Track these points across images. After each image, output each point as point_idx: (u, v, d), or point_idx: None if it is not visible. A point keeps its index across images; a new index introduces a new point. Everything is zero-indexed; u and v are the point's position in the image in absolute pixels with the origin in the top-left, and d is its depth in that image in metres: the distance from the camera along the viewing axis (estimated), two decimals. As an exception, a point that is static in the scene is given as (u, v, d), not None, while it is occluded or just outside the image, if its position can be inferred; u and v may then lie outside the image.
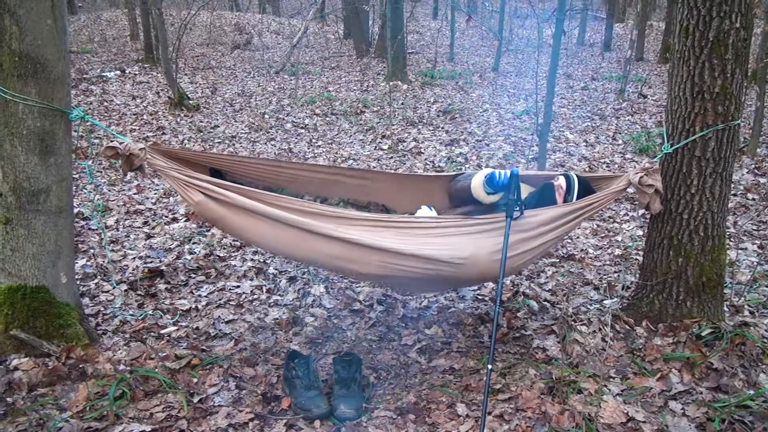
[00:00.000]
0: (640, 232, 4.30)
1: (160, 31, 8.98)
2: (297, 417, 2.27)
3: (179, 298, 3.33)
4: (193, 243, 4.11)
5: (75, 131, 6.47)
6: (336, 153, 6.86)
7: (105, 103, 8.93)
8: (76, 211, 4.24)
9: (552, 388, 2.36)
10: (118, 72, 11.17)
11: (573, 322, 2.72)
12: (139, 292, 3.36)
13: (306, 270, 3.64)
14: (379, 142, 7.29)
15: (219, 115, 8.66)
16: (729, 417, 2.12)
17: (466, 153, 6.74)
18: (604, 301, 3.15)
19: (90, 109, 8.46)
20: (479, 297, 3.38)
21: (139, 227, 4.43)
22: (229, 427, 2.21)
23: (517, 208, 2.37)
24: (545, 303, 3.23)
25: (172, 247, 4.04)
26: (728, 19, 2.34)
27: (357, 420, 2.26)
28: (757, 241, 4.11)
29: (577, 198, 2.61)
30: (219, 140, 7.38)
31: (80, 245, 3.94)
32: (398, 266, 2.32)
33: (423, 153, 6.80)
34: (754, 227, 4.39)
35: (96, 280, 3.46)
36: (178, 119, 8.28)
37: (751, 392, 2.26)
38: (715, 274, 2.62)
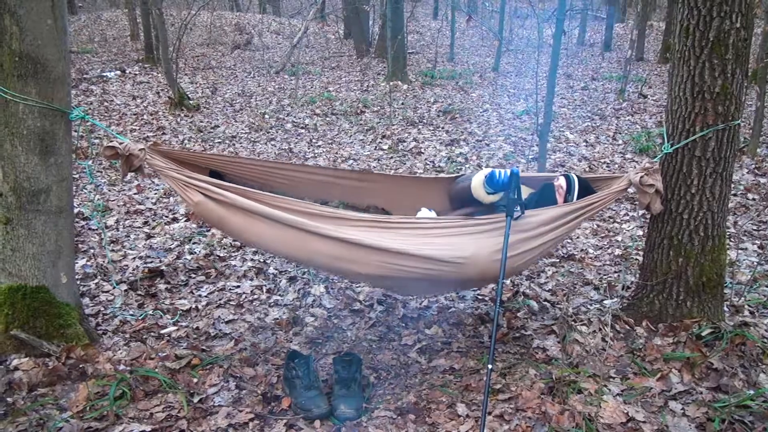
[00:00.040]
0: (640, 232, 4.30)
1: (160, 31, 8.98)
2: (297, 417, 2.28)
3: (179, 298, 3.33)
4: (194, 243, 4.11)
5: (75, 131, 6.47)
6: (336, 153, 6.86)
7: (105, 103, 8.93)
8: (76, 211, 4.24)
9: (552, 388, 2.36)
10: (119, 72, 11.18)
11: (573, 322, 2.72)
12: (139, 292, 3.36)
13: (306, 270, 3.64)
14: (380, 142, 7.29)
15: (219, 115, 8.66)
16: (729, 417, 2.12)
17: (467, 153, 6.74)
18: (604, 301, 3.15)
19: (90, 109, 8.46)
20: (479, 297, 3.38)
21: (140, 227, 4.43)
22: (229, 427, 2.21)
23: (518, 208, 2.37)
24: (545, 303, 3.23)
25: (172, 247, 4.04)
26: (728, 19, 2.34)
27: (357, 420, 2.26)
28: (757, 241, 4.11)
29: (578, 198, 2.61)
30: (219, 140, 7.38)
31: (80, 245, 3.94)
32: (398, 266, 2.32)
33: (423, 153, 6.80)
34: (754, 227, 4.39)
35: (96, 280, 3.46)
36: (179, 119, 8.29)
37: (751, 392, 2.26)
38: (715, 274, 2.62)
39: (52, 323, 2.50)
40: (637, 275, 3.03)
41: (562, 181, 2.74)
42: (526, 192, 2.79)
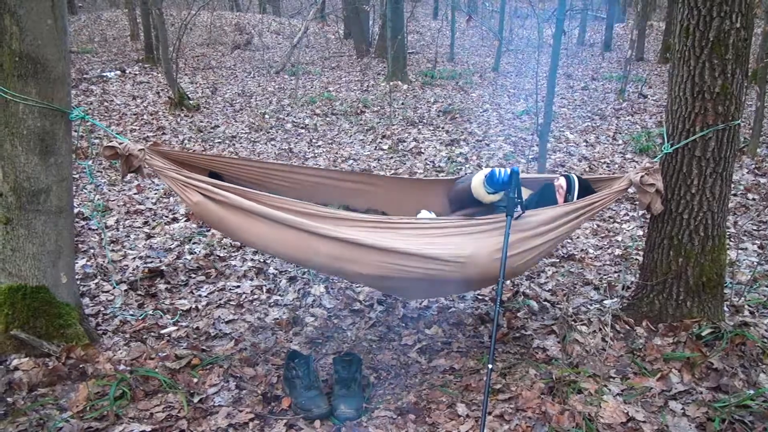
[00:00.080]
0: (640, 232, 4.30)
1: (160, 31, 8.98)
2: (297, 417, 2.28)
3: (179, 298, 3.33)
4: (194, 243, 4.11)
5: (75, 131, 6.47)
6: (336, 153, 6.86)
7: (105, 103, 8.93)
8: (76, 211, 4.24)
9: (552, 388, 2.36)
10: (119, 72, 11.18)
11: (573, 322, 2.72)
12: (139, 292, 3.36)
13: (306, 270, 3.64)
14: (380, 142, 7.29)
15: (219, 115, 8.66)
16: (729, 417, 2.12)
17: (467, 153, 6.74)
18: (604, 301, 3.15)
19: (90, 109, 8.46)
20: (479, 297, 3.38)
21: (140, 227, 4.44)
22: (230, 427, 2.21)
23: (518, 208, 2.37)
24: (545, 303, 3.23)
25: (172, 247, 4.04)
26: (728, 19, 2.34)
27: (357, 420, 2.26)
28: (757, 241, 4.11)
29: (578, 198, 2.61)
30: (219, 140, 7.38)
31: (80, 245, 3.94)
32: (399, 266, 2.31)
33: (423, 153, 6.80)
34: (754, 227, 4.39)
35: (96, 280, 3.46)
36: (179, 119, 8.29)
37: (751, 392, 2.26)
38: (715, 274, 2.62)
39: (52, 323, 2.50)
40: (637, 275, 3.03)
41: (562, 181, 2.74)
42: (525, 193, 2.79)
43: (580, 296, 3.32)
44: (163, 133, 7.59)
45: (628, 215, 4.78)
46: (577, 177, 2.72)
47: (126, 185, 5.37)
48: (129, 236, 4.23)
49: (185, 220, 4.56)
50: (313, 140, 7.47)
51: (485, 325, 3.05)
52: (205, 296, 3.37)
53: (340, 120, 8.51)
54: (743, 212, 4.71)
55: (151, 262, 3.78)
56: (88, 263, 3.66)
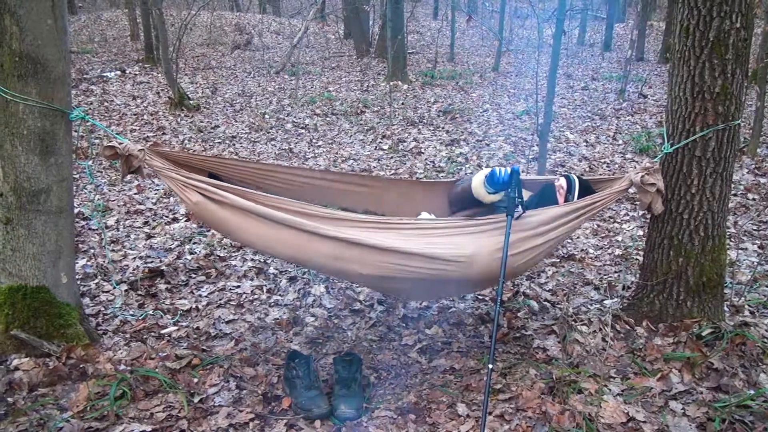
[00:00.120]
0: (641, 232, 4.30)
1: (160, 31, 8.99)
2: (297, 417, 2.28)
3: (179, 298, 3.33)
4: (194, 243, 4.11)
5: (75, 131, 6.48)
6: (336, 153, 6.86)
7: (105, 103, 8.94)
8: (76, 211, 4.24)
9: (552, 388, 2.36)
10: (119, 72, 11.18)
11: (573, 322, 2.72)
12: (139, 292, 3.36)
13: (306, 270, 3.64)
14: (380, 142, 7.29)
15: (219, 115, 8.66)
16: (729, 417, 2.12)
17: (467, 153, 6.74)
18: (605, 301, 3.15)
19: (90, 109, 8.47)
20: (479, 297, 3.38)
21: (140, 227, 4.44)
22: (230, 427, 2.21)
23: (519, 207, 2.37)
24: (545, 303, 3.23)
25: (172, 247, 4.04)
26: (728, 19, 2.34)
27: (357, 420, 2.26)
28: (757, 241, 4.11)
29: (578, 198, 2.61)
30: (219, 140, 7.38)
31: (80, 245, 3.94)
32: (399, 266, 2.31)
33: (423, 153, 6.80)
34: (755, 227, 4.39)
35: (96, 280, 3.46)
36: (179, 119, 8.29)
37: (752, 392, 2.26)
38: (716, 274, 2.62)
39: (53, 323, 2.51)
40: (638, 275, 3.03)
41: (562, 182, 2.74)
42: (526, 195, 2.78)
43: (581, 296, 3.32)
44: (164, 133, 7.59)
45: (628, 215, 4.78)
46: (578, 177, 2.73)
47: (126, 185, 5.37)
48: (129, 236, 4.23)
49: (185, 220, 4.57)
50: (314, 140, 7.47)
51: (485, 325, 3.05)
52: (206, 296, 3.37)
53: (341, 120, 8.51)
54: (743, 212, 4.71)
55: (152, 262, 3.78)
56: (89, 263, 3.66)
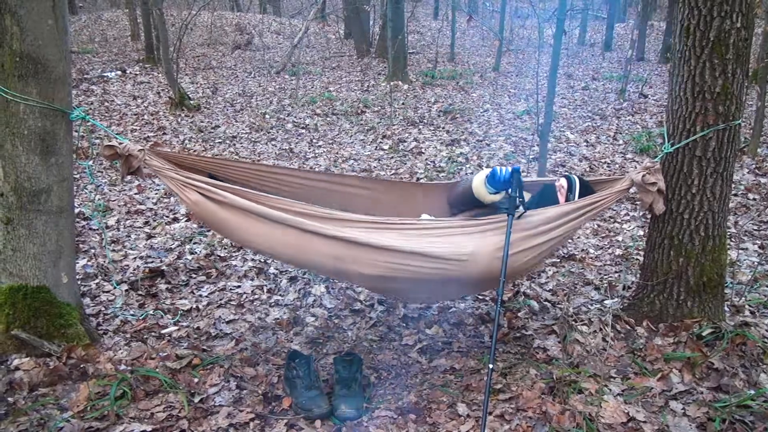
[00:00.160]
0: (641, 232, 4.30)
1: (161, 31, 8.99)
2: (298, 417, 2.28)
3: (180, 298, 3.33)
4: (194, 243, 4.12)
5: (76, 131, 6.48)
6: (337, 153, 6.86)
7: (106, 104, 8.94)
8: (77, 211, 4.24)
9: (553, 388, 2.36)
10: (119, 72, 11.19)
11: (574, 322, 2.72)
12: (139, 292, 3.36)
13: (306, 270, 3.64)
14: (380, 142, 7.29)
15: (220, 116, 8.67)
16: (730, 417, 2.12)
17: (467, 153, 6.74)
18: (605, 301, 3.15)
19: (91, 109, 8.47)
20: (480, 297, 3.38)
21: (140, 227, 4.44)
22: (230, 427, 2.21)
23: (520, 207, 2.37)
24: (546, 303, 3.23)
25: (172, 247, 4.04)
26: (729, 19, 2.34)
27: (358, 420, 2.26)
28: (757, 241, 4.11)
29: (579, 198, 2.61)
30: (220, 140, 7.39)
31: (81, 245, 3.94)
32: (401, 265, 2.30)
33: (424, 153, 6.80)
34: (755, 227, 4.39)
35: (97, 280, 3.46)
36: (179, 119, 8.29)
37: (752, 392, 2.26)
38: (716, 274, 2.62)
39: (53, 323, 2.51)
40: (638, 275, 3.03)
41: (563, 182, 2.74)
42: (526, 196, 2.77)
43: (581, 296, 3.32)
44: (164, 134, 7.59)
45: (628, 215, 4.78)
46: (578, 177, 2.73)
47: (126, 185, 5.37)
48: (130, 236, 4.23)
49: (186, 220, 4.57)
50: (314, 140, 7.47)
51: (486, 325, 3.05)
52: (206, 296, 3.38)
53: (341, 120, 8.51)
54: (744, 212, 4.71)
55: (152, 262, 3.78)
56: (89, 263, 3.66)
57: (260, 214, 2.32)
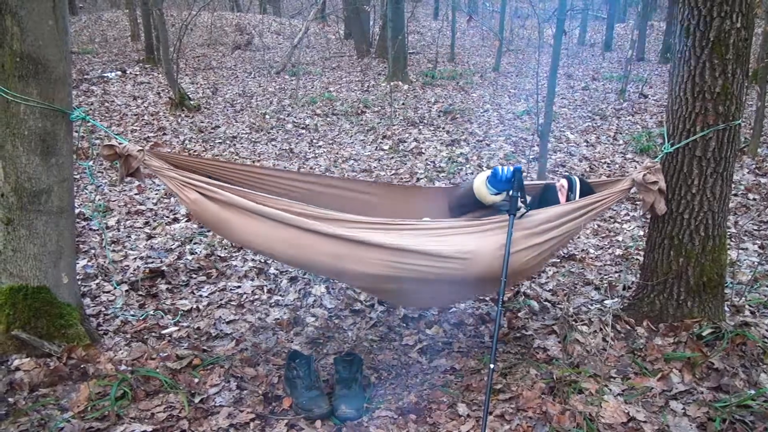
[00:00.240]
0: (641, 232, 4.30)
1: (161, 31, 9.00)
2: (298, 417, 2.28)
3: (180, 299, 3.34)
4: (194, 243, 4.12)
5: (76, 132, 6.48)
6: (337, 153, 6.86)
7: (106, 104, 8.94)
8: (77, 211, 4.24)
9: (553, 388, 2.36)
10: (119, 72, 11.19)
11: (574, 322, 2.72)
12: (140, 293, 3.36)
13: (306, 271, 3.64)
14: (380, 143, 7.30)
15: (220, 116, 8.67)
16: (730, 417, 2.12)
17: (467, 153, 6.74)
18: (605, 301, 3.15)
19: (91, 109, 8.47)
20: (480, 297, 3.38)
21: (140, 227, 4.44)
22: (231, 427, 2.21)
23: (521, 206, 2.37)
24: (546, 303, 3.23)
25: (173, 247, 4.04)
26: (729, 19, 2.34)
27: (358, 420, 2.27)
28: (757, 241, 4.11)
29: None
30: (220, 141, 7.39)
31: (81, 246, 3.94)
32: (401, 264, 2.30)
33: (424, 153, 6.80)
34: (755, 227, 4.39)
35: (97, 281, 3.47)
36: (179, 120, 8.29)
37: (752, 392, 2.26)
38: (716, 274, 2.62)
39: (54, 323, 2.51)
40: (638, 275, 3.03)
41: (563, 182, 2.74)
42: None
43: (581, 296, 3.32)
44: (164, 134, 7.60)
45: (628, 215, 4.78)
46: (579, 178, 2.73)
47: (127, 186, 5.37)
48: (130, 237, 4.24)
49: (186, 221, 4.57)
50: (314, 140, 7.47)
51: (486, 325, 3.05)
52: (206, 296, 3.38)
53: (341, 120, 8.51)
54: (744, 212, 4.71)
55: (152, 262, 3.78)
56: (89, 263, 3.66)
57: (260, 214, 2.31)
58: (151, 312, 3.13)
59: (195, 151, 6.88)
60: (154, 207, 4.91)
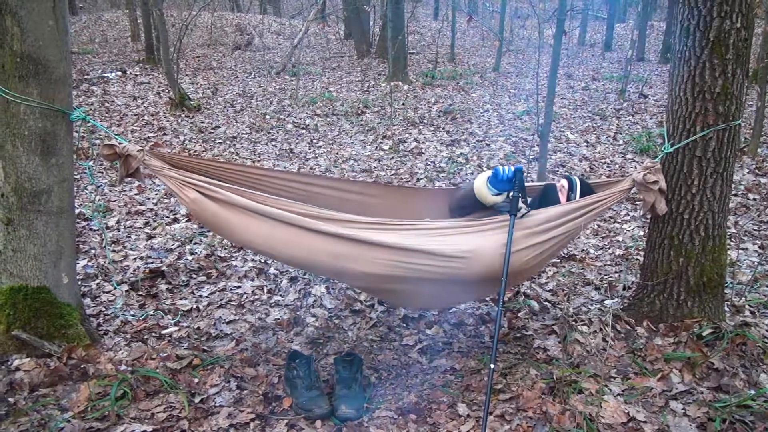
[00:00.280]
0: (641, 233, 4.30)
1: (161, 31, 9.00)
2: (298, 417, 2.28)
3: (180, 299, 3.34)
4: (194, 243, 4.12)
5: (76, 132, 6.48)
6: (337, 153, 6.86)
7: (106, 104, 8.94)
8: (77, 211, 4.24)
9: (553, 388, 2.36)
10: (119, 73, 11.19)
11: (574, 322, 2.72)
12: (140, 293, 3.36)
13: (306, 271, 3.64)
14: (380, 143, 7.30)
15: (220, 116, 8.67)
16: (730, 417, 2.12)
17: (467, 153, 6.74)
18: (605, 301, 3.15)
19: (91, 109, 8.48)
20: (480, 299, 3.38)
21: (140, 228, 4.44)
22: (231, 427, 2.21)
23: (522, 206, 2.36)
24: (546, 303, 3.23)
25: (173, 247, 4.05)
26: (729, 19, 2.34)
27: (358, 420, 2.27)
28: (757, 241, 4.11)
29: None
30: (220, 141, 7.39)
31: (81, 246, 3.94)
32: (402, 263, 2.29)
33: (424, 153, 6.80)
34: (755, 227, 4.39)
35: (97, 281, 3.47)
36: (179, 120, 8.29)
37: (752, 392, 2.26)
38: (716, 274, 2.62)
39: (54, 323, 2.51)
40: (638, 275, 3.03)
41: (564, 182, 2.74)
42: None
43: (581, 296, 3.32)
44: (164, 134, 7.60)
45: (628, 215, 4.78)
46: (579, 178, 2.73)
47: (127, 186, 5.37)
48: (130, 237, 4.24)
49: (186, 221, 4.57)
50: (314, 141, 7.47)
51: (486, 325, 3.05)
52: (206, 296, 3.38)
53: (341, 120, 8.51)
54: (744, 212, 4.71)
55: (152, 262, 3.78)
56: (89, 264, 3.66)
57: (259, 213, 2.31)
58: (151, 312, 3.14)
59: (195, 151, 6.88)
60: (154, 207, 4.91)
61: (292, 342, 2.91)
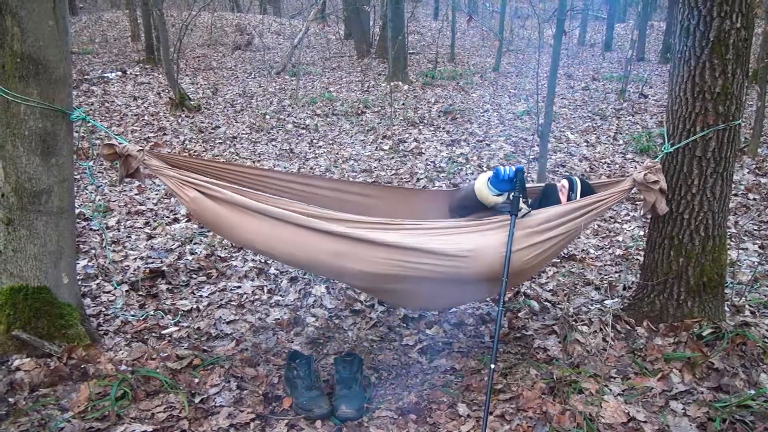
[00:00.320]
0: (641, 233, 4.30)
1: (161, 32, 9.00)
2: (298, 417, 2.28)
3: (180, 299, 3.34)
4: (195, 243, 4.12)
5: (76, 132, 6.48)
6: (337, 153, 6.86)
7: (106, 104, 8.94)
8: (77, 211, 4.24)
9: (553, 388, 2.36)
10: (120, 73, 11.19)
11: (574, 322, 2.72)
12: (140, 293, 3.36)
13: (306, 270, 3.64)
14: (380, 143, 7.30)
15: (220, 116, 8.67)
16: (730, 417, 2.12)
17: (467, 153, 6.74)
18: (605, 301, 3.15)
19: (91, 110, 8.48)
20: (480, 300, 3.38)
21: (141, 228, 4.44)
22: (231, 427, 2.21)
23: (522, 206, 2.36)
24: (546, 303, 3.23)
25: (173, 247, 4.05)
26: (729, 19, 2.34)
27: (358, 420, 2.27)
28: (758, 241, 4.11)
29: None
30: (220, 141, 7.39)
31: (81, 246, 3.94)
32: (403, 263, 2.29)
33: (424, 153, 6.81)
34: (755, 227, 4.39)
35: (97, 281, 3.47)
36: (179, 120, 8.29)
37: (752, 392, 2.26)
38: (716, 274, 2.62)
39: (54, 324, 2.51)
40: (638, 275, 3.03)
41: (564, 182, 2.74)
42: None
43: (581, 296, 3.32)
44: (164, 134, 7.60)
45: (628, 215, 4.78)
46: (579, 178, 2.73)
47: (127, 186, 5.37)
48: (130, 237, 4.24)
49: (186, 221, 4.57)
50: (314, 141, 7.47)
51: (486, 325, 3.05)
52: (206, 297, 3.38)
53: (341, 120, 8.51)
54: (744, 212, 4.71)
55: (152, 262, 3.78)
56: (90, 264, 3.66)
57: (259, 212, 2.31)
58: (152, 312, 3.14)
59: (195, 152, 6.89)
60: (154, 207, 4.91)
61: (292, 342, 2.91)
